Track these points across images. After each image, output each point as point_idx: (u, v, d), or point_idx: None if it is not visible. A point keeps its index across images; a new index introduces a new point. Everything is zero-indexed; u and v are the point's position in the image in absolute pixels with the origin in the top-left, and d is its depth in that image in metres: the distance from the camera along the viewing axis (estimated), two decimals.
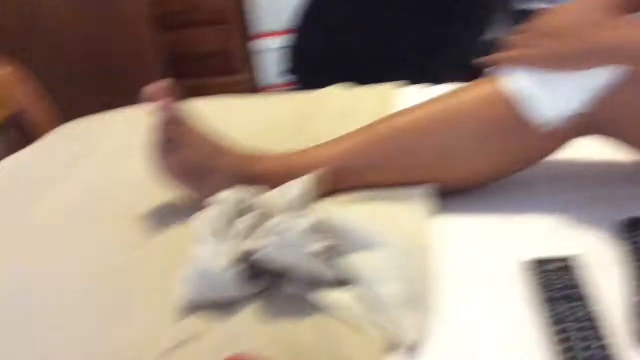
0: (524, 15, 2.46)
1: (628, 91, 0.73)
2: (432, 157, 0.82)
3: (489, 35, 2.14)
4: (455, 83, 1.25)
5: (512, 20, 2.75)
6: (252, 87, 2.75)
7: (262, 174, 0.86)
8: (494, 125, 0.78)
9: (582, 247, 0.74)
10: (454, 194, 0.85)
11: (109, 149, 1.15)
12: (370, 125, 0.85)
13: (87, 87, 2.26)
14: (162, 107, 0.83)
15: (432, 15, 1.85)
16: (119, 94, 2.22)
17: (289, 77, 2.02)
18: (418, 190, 0.82)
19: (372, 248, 0.69)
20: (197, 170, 0.84)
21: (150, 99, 0.84)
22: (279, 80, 2.11)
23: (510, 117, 0.76)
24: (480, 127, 0.78)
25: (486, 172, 0.83)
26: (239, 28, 2.69)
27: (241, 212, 0.77)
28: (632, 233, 0.73)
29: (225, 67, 2.70)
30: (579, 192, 0.84)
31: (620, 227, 0.75)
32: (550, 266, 0.71)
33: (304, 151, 0.89)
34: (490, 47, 1.13)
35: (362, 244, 0.69)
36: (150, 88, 0.83)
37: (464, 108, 0.79)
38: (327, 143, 0.87)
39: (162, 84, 0.84)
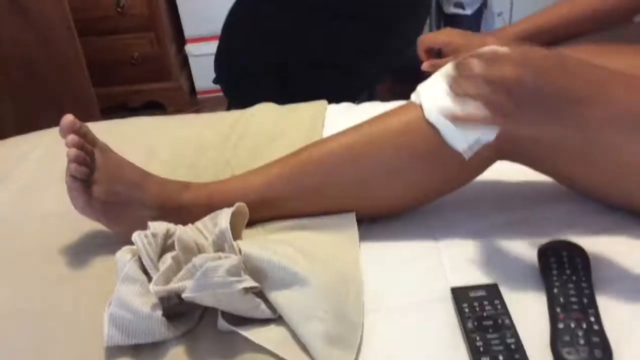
0: (453, 19, 2.51)
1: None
2: (356, 186, 0.82)
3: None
4: (382, 99, 1.29)
5: (443, 24, 2.83)
6: (185, 92, 2.72)
7: (188, 204, 0.84)
8: (415, 153, 0.79)
9: (503, 273, 0.77)
10: (376, 220, 0.86)
11: (28, 176, 1.10)
12: (296, 154, 0.85)
13: (7, 94, 2.17)
14: (72, 144, 0.80)
15: (364, 22, 1.87)
16: (42, 103, 2.15)
17: (219, 85, 2.00)
18: (346, 219, 0.82)
19: (296, 286, 0.69)
20: (116, 204, 0.82)
21: (63, 135, 0.81)
22: (213, 86, 2.09)
23: (430, 146, 0.78)
24: (403, 155, 0.80)
25: (408, 199, 0.84)
26: (171, 34, 2.64)
27: (168, 247, 0.75)
28: (550, 258, 0.76)
29: (157, 73, 2.65)
30: (498, 216, 0.87)
31: (538, 252, 0.78)
32: (475, 293, 0.73)
33: (230, 180, 0.88)
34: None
35: (286, 282, 0.69)
36: (63, 122, 0.80)
37: (386, 137, 0.80)
38: (253, 172, 0.87)
39: (69, 120, 0.81)
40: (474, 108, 0.62)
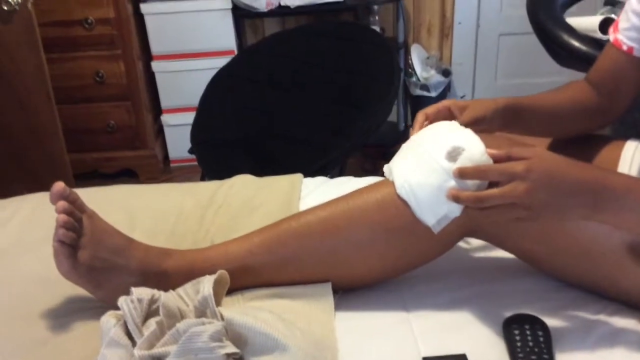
0: (419, 101, 2.64)
1: None
2: (332, 258, 0.87)
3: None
4: (352, 174, 1.35)
5: (409, 105, 2.96)
6: (159, 161, 2.75)
7: (170, 271, 0.87)
8: (389, 228, 0.84)
9: (471, 343, 0.81)
10: (351, 290, 0.90)
11: (8, 241, 1.11)
12: (275, 225, 0.90)
13: None
14: (62, 210, 0.83)
15: (337, 103, 1.96)
16: (15, 166, 2.16)
17: (194, 155, 2.05)
18: (322, 288, 0.86)
19: (276, 352, 0.72)
20: (101, 270, 0.84)
21: (53, 201, 0.84)
22: (186, 155, 2.14)
23: (402, 221, 0.83)
24: (377, 230, 0.85)
25: (381, 271, 0.89)
26: (148, 103, 2.70)
27: (151, 312, 0.78)
28: (514, 331, 0.80)
29: (132, 141, 2.69)
30: (466, 289, 0.92)
31: (503, 324, 0.82)
32: None
33: (211, 248, 0.92)
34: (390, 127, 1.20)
35: (267, 348, 0.72)
36: (53, 189, 0.84)
37: (361, 212, 0.86)
38: (233, 241, 0.91)
39: (59, 187, 0.84)
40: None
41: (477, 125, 0.89)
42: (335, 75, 2.03)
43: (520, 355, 0.76)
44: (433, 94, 2.76)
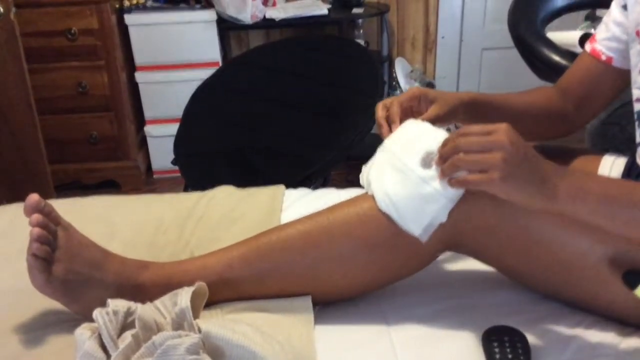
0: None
1: (474, 215, 0.82)
2: (312, 272, 0.86)
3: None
4: (336, 186, 1.35)
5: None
6: (141, 172, 2.74)
7: (147, 283, 0.86)
8: (370, 243, 0.84)
9: (450, 356, 0.81)
10: (331, 303, 0.90)
11: None
12: (255, 238, 0.89)
13: None
14: (36, 224, 0.82)
15: (320, 115, 1.97)
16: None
17: (177, 166, 2.04)
18: (302, 302, 0.86)
19: None
20: (76, 283, 0.83)
21: (27, 214, 0.82)
22: (169, 166, 2.12)
23: (383, 236, 0.83)
24: (357, 245, 0.84)
25: (362, 285, 0.89)
26: (131, 114, 2.69)
27: (127, 325, 0.77)
28: (493, 343, 0.80)
29: (115, 152, 2.68)
30: (445, 301, 0.92)
31: (483, 336, 0.82)
32: None
33: (189, 261, 0.91)
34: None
35: None
36: (28, 202, 0.82)
37: (342, 227, 0.85)
38: (212, 253, 0.90)
39: (34, 200, 0.83)
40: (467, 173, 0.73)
41: (441, 121, 0.90)
42: (320, 88, 2.03)
43: None
44: None
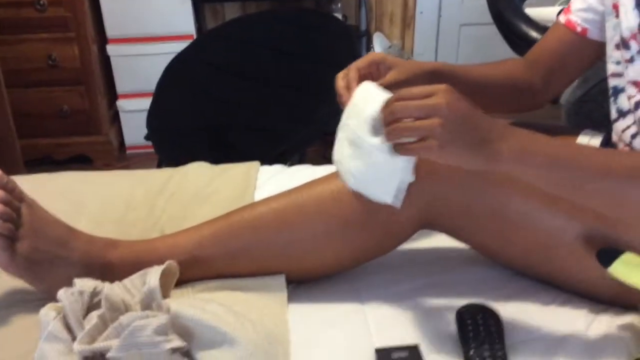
0: None
1: (448, 192, 0.81)
2: (285, 250, 0.85)
3: None
4: (312, 162, 1.33)
5: None
6: (114, 147, 2.69)
7: (116, 262, 0.84)
8: (343, 221, 0.83)
9: (424, 334, 0.80)
10: (302, 282, 0.88)
11: None
12: (227, 216, 0.87)
13: None
14: None
15: (295, 90, 1.94)
16: None
17: (150, 141, 2.01)
18: (275, 280, 0.84)
19: (225, 345, 0.69)
20: (41, 262, 0.80)
21: None
22: (142, 142, 2.09)
23: (357, 214, 0.82)
24: (331, 223, 0.83)
25: (336, 264, 0.88)
26: (103, 88, 2.63)
27: (94, 305, 0.74)
28: (466, 320, 0.80)
29: (86, 127, 2.62)
30: (419, 279, 0.91)
31: (456, 314, 0.82)
32: (398, 354, 0.76)
33: (159, 239, 0.89)
34: None
35: (215, 342, 0.70)
36: None
37: (315, 205, 0.84)
38: (183, 231, 0.88)
39: None
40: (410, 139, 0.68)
41: (398, 87, 0.81)
42: (296, 62, 2.00)
43: (473, 345, 0.76)
44: None
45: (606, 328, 0.82)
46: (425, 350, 0.77)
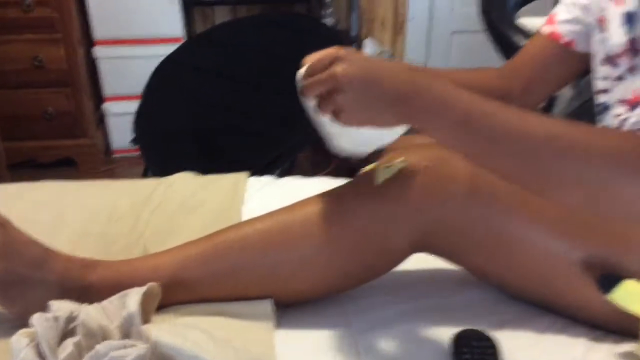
0: None
1: (445, 216, 0.78)
2: (271, 274, 0.81)
3: None
4: (301, 168, 1.29)
5: None
6: (99, 151, 2.64)
7: (95, 284, 0.80)
8: (333, 246, 0.79)
9: None
10: (289, 306, 0.85)
11: None
12: (211, 236, 0.83)
13: None
14: None
15: (286, 95, 1.91)
16: None
17: (137, 146, 1.96)
18: (261, 305, 0.80)
19: None
20: (15, 284, 0.76)
21: None
22: (129, 145, 2.04)
23: (348, 238, 0.78)
24: (320, 247, 0.79)
25: (325, 288, 0.84)
26: (89, 90, 2.58)
27: (70, 331, 0.70)
28: (462, 349, 0.76)
29: (71, 130, 2.57)
30: (411, 302, 0.88)
31: (452, 341, 0.79)
32: None
33: (140, 260, 0.85)
34: None
35: None
36: None
37: (303, 227, 0.80)
38: (165, 252, 0.84)
39: None
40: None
41: None
42: (286, 66, 1.95)
43: None
44: None
45: (605, 357, 0.79)
46: None
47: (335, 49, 0.71)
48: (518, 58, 1.03)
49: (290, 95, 1.89)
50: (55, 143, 2.58)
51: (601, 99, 0.92)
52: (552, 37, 0.98)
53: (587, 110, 1.48)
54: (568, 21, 0.96)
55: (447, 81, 0.68)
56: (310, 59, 0.73)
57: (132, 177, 2.38)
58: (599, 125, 0.93)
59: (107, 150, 2.73)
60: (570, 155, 0.64)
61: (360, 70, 0.68)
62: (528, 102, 1.01)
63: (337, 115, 0.70)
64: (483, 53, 2.63)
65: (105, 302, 0.77)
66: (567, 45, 0.96)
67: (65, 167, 2.60)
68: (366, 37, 2.92)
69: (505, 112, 0.66)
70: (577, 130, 0.65)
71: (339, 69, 0.68)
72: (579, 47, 0.96)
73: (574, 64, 0.98)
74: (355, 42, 2.86)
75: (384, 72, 0.68)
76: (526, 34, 1.72)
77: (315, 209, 0.80)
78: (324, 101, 0.70)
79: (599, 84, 0.91)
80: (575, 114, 1.48)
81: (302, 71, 0.74)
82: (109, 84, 2.60)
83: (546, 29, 0.99)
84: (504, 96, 0.99)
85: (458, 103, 0.66)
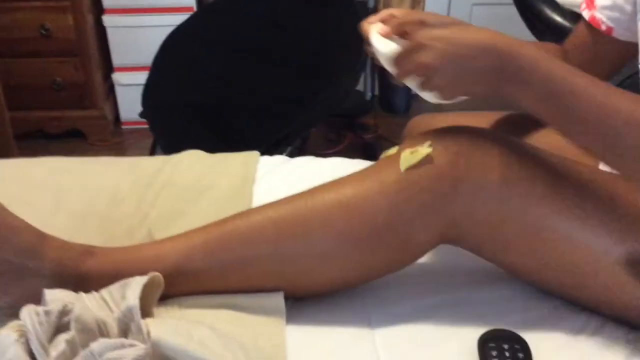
0: (386, 71, 2.51)
1: (476, 207, 0.71)
2: (283, 266, 0.74)
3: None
4: (315, 145, 1.23)
5: (376, 74, 2.83)
6: (109, 122, 2.58)
7: (92, 273, 0.74)
8: (353, 238, 0.72)
9: None
10: (302, 299, 0.78)
11: None
12: (219, 223, 0.77)
13: None
14: None
15: (301, 70, 1.83)
16: None
17: (145, 119, 1.90)
18: (272, 298, 0.74)
19: None
20: (7, 273, 0.70)
21: None
22: (139, 117, 1.98)
23: (370, 229, 0.71)
24: (338, 239, 0.72)
25: (342, 282, 0.78)
26: (99, 61, 2.51)
27: (63, 325, 0.64)
28: (491, 352, 0.70)
29: (80, 100, 2.51)
30: (434, 297, 0.81)
31: (479, 342, 0.72)
32: None
33: (142, 247, 0.79)
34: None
35: None
36: None
37: (320, 217, 0.73)
38: (170, 239, 0.77)
39: None
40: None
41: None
42: (301, 40, 1.88)
43: None
44: None
45: None
46: None
47: (409, 14, 0.76)
48: (569, 43, 0.99)
49: (303, 69, 1.83)
50: (63, 114, 2.52)
51: None
52: (592, 23, 0.92)
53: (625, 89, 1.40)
54: (607, 8, 0.90)
55: (534, 49, 0.70)
56: (377, 25, 0.79)
57: (142, 150, 2.33)
58: None
59: (117, 121, 2.67)
60: None
61: (447, 53, 0.69)
62: None
63: (434, 92, 0.72)
64: (504, 26, 2.51)
65: (103, 291, 0.72)
66: (607, 33, 0.90)
67: (73, 138, 2.54)
68: (384, 7, 2.81)
69: (590, 89, 0.68)
70: None
71: (426, 58, 0.69)
72: (619, 35, 0.90)
73: (617, 51, 0.92)
74: (372, 14, 2.76)
75: (470, 47, 0.69)
76: (557, 6, 1.63)
77: (333, 197, 0.73)
78: (419, 86, 0.73)
79: None
80: None
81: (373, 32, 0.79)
82: (119, 53, 2.53)
83: (586, 14, 0.93)
84: None
85: (542, 76, 0.68)
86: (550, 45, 0.99)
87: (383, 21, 0.84)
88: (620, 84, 1.35)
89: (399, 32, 0.74)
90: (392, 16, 0.84)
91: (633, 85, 1.32)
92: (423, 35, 0.70)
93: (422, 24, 0.72)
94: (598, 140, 0.68)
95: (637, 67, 0.88)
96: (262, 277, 0.75)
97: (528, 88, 0.68)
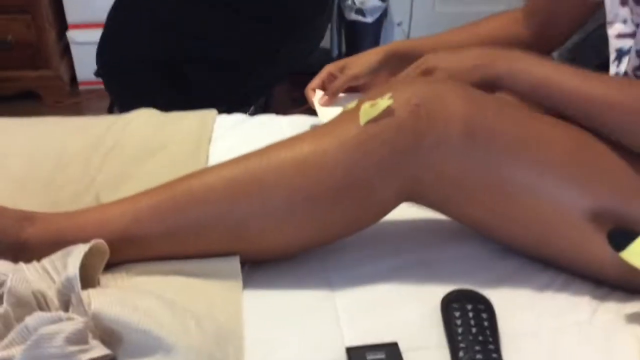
0: (354, 27, 2.46)
1: (438, 161, 0.68)
2: (239, 228, 0.70)
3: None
4: (279, 103, 1.18)
5: (343, 30, 2.76)
6: (65, 83, 2.48)
7: (32, 241, 0.69)
8: (311, 196, 0.68)
9: (404, 327, 0.68)
10: (258, 263, 0.75)
11: None
12: (171, 185, 0.72)
13: None
14: None
15: (265, 22, 1.76)
16: None
17: (100, 78, 1.82)
18: (227, 263, 0.70)
19: (159, 353, 0.56)
20: None
21: None
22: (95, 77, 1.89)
23: (328, 187, 0.68)
24: (295, 198, 0.68)
25: (300, 244, 0.74)
26: (50, 17, 2.39)
27: None
28: (454, 312, 0.68)
29: (34, 60, 2.40)
30: (396, 258, 0.78)
31: (442, 303, 0.70)
32: (373, 355, 0.63)
33: (87, 211, 0.73)
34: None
35: (147, 349, 0.56)
36: None
37: (276, 175, 0.69)
38: (116, 202, 0.73)
39: None
40: None
41: (358, 81, 0.97)
42: None
43: (462, 345, 0.64)
44: (369, 19, 2.57)
45: (614, 317, 0.71)
46: (405, 347, 0.65)
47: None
48: (526, 7, 0.99)
49: (267, 22, 1.76)
50: (15, 74, 2.41)
51: (618, 44, 0.82)
52: None
53: (591, 42, 1.38)
54: None
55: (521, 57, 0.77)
56: None
57: (101, 111, 2.25)
58: (612, 69, 0.84)
59: (73, 82, 2.57)
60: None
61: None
62: (543, 47, 0.98)
63: None
64: None
65: (45, 261, 0.67)
66: None
67: (28, 100, 2.44)
68: None
69: (566, 77, 0.73)
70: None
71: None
72: None
73: (578, 7, 0.94)
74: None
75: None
76: None
77: (289, 154, 0.69)
78: None
79: (618, 27, 0.81)
80: (578, 47, 1.38)
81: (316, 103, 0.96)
82: (73, 10, 2.42)
83: None
84: (521, 43, 0.95)
85: (528, 67, 0.75)
86: (505, 15, 1.00)
87: (324, 83, 1.01)
88: (587, 38, 1.32)
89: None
90: (331, 75, 1.00)
91: (599, 38, 1.30)
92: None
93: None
94: (589, 124, 0.72)
95: (600, 21, 0.86)
96: (216, 240, 0.70)
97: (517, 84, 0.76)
